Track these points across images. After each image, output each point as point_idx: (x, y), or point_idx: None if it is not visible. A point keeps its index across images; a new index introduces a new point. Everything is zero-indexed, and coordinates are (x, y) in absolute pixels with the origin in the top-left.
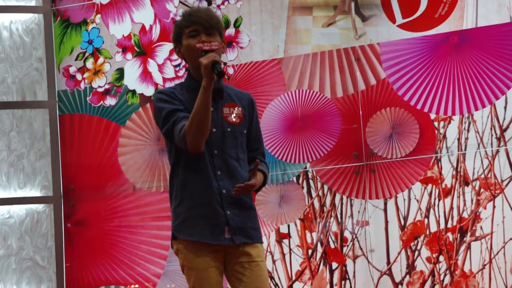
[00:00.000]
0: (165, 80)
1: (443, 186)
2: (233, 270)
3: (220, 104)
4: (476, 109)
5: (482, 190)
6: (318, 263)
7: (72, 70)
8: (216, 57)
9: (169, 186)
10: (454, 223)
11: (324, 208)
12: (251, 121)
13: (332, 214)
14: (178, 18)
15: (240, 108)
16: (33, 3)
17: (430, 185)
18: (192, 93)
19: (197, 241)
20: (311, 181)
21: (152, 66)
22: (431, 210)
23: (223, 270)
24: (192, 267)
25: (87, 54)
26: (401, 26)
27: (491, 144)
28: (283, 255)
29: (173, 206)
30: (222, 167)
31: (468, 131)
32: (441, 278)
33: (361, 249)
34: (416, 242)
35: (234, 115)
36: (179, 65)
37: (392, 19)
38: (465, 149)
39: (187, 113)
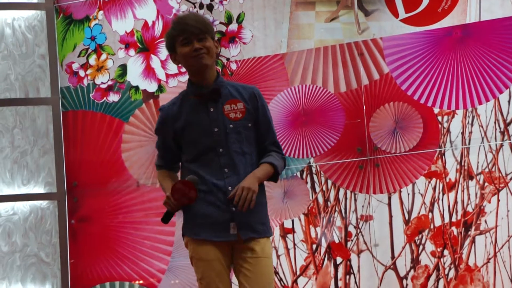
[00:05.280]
0: (168, 76)
1: (447, 180)
2: (238, 264)
3: (220, 102)
4: (480, 103)
5: (486, 184)
6: (323, 258)
7: (75, 66)
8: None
9: None
10: (459, 217)
11: (328, 203)
12: (257, 113)
13: (336, 209)
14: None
15: (241, 103)
16: (35, 0)
17: (434, 179)
18: (193, 101)
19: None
20: (315, 176)
21: (155, 62)
22: (435, 204)
23: (230, 262)
24: (200, 258)
25: (90, 51)
26: (404, 20)
27: (495, 138)
28: (288, 250)
29: None
30: (229, 164)
31: (472, 125)
32: (446, 272)
33: (365, 243)
34: (420, 236)
35: (236, 111)
36: None
37: (395, 13)
38: (469, 143)
39: (167, 148)
